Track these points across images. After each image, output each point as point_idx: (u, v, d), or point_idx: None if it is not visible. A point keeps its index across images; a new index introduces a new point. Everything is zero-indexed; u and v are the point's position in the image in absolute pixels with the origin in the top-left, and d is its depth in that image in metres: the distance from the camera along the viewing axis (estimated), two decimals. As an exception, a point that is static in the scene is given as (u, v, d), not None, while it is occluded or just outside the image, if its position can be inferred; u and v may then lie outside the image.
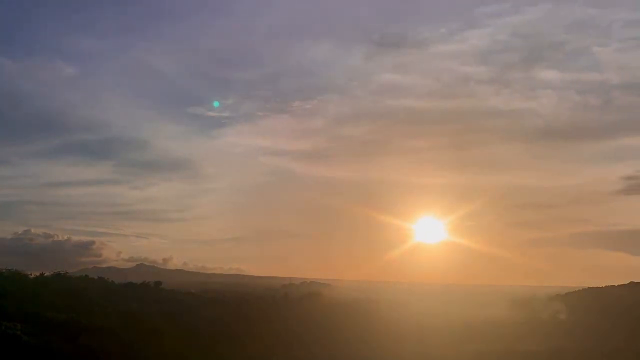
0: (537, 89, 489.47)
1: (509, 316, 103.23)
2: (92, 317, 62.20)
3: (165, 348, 59.33)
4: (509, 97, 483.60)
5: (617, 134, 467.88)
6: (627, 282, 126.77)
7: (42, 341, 51.32)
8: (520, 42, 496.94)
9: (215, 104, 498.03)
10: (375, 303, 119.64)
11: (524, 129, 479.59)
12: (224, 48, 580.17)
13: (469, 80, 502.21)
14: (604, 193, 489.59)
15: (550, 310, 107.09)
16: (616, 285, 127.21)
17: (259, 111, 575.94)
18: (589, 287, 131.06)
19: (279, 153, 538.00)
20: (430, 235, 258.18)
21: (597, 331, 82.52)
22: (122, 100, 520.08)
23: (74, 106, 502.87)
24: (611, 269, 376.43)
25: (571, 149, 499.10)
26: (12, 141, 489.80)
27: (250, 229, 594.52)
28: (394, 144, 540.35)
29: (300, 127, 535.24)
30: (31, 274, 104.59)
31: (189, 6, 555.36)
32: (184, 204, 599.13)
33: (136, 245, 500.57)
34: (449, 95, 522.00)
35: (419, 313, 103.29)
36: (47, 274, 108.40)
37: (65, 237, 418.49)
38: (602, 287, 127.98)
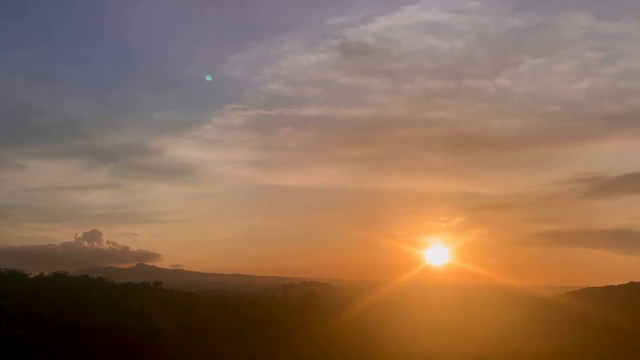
0: (432, 98, 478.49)
1: (509, 316, 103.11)
2: (92, 317, 62.17)
3: (165, 348, 59.44)
4: (407, 107, 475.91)
5: (538, 141, 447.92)
6: (627, 282, 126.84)
7: (42, 341, 51.41)
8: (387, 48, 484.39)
9: (208, 78, 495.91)
10: (374, 303, 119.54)
11: (440, 138, 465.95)
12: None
13: (358, 89, 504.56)
14: (568, 196, 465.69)
15: (549, 310, 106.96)
16: (616, 285, 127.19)
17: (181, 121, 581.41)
18: (588, 287, 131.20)
19: (223, 164, 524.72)
20: (432, 257, 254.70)
21: (596, 331, 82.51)
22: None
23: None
24: (601, 267, 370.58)
25: (499, 156, 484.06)
26: (12, 143, 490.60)
27: (242, 231, 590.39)
28: (327, 153, 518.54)
29: (225, 138, 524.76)
30: (31, 274, 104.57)
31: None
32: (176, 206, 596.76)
33: (136, 245, 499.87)
34: (344, 104, 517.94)
35: (418, 313, 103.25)
36: (46, 273, 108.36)
37: (66, 238, 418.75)
38: (602, 287, 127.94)
